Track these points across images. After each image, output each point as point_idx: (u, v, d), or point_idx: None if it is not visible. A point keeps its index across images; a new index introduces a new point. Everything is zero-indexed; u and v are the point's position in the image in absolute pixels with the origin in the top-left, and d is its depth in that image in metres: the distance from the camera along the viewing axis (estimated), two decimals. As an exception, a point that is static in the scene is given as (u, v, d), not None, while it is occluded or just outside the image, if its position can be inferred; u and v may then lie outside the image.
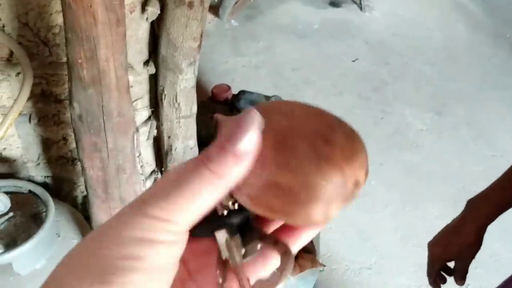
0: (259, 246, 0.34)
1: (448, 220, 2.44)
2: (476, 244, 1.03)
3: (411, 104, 3.05)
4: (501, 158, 2.71)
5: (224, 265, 0.34)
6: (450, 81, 3.33)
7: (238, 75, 3.10)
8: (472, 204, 1.06)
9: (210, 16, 3.46)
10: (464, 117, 3.02)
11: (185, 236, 0.30)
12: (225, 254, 0.33)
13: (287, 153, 0.31)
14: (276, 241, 0.34)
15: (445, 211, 2.32)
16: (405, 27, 3.83)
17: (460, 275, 1.07)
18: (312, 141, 0.31)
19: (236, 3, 3.30)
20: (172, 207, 0.28)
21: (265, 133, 0.30)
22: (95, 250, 0.28)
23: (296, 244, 0.36)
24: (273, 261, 0.35)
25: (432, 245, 1.13)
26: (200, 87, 2.80)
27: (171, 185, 0.29)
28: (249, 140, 0.29)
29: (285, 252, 0.34)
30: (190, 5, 1.29)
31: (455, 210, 2.39)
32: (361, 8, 3.89)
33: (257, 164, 0.31)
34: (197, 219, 0.29)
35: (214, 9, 3.43)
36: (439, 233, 1.12)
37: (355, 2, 3.96)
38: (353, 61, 3.38)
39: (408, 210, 2.34)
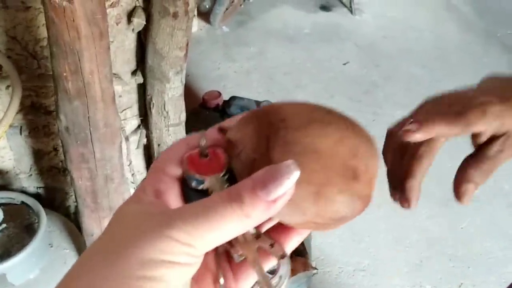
0: (256, 246, 0.34)
1: (439, 221, 2.44)
2: None
3: (402, 105, 3.07)
4: (492, 157, 2.73)
5: (221, 264, 0.35)
6: (441, 82, 3.34)
7: (230, 80, 3.12)
8: None
9: (201, 23, 3.49)
10: (455, 117, 3.04)
11: (201, 258, 0.31)
12: (240, 251, 0.34)
13: (322, 202, 0.33)
14: (272, 244, 0.35)
15: (436, 212, 2.33)
16: (395, 29, 3.85)
17: None
18: (342, 181, 0.34)
19: (227, 9, 3.33)
20: (196, 233, 0.29)
21: (300, 183, 0.32)
22: (117, 265, 0.29)
23: (290, 244, 0.37)
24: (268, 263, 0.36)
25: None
26: (192, 94, 2.82)
27: (199, 212, 0.30)
28: (283, 193, 0.30)
29: (282, 256, 0.35)
30: (175, 16, 1.31)
31: (446, 210, 2.41)
32: (351, 11, 3.92)
33: (293, 206, 0.33)
34: (216, 245, 0.31)
35: (205, 16, 3.46)
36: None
37: (345, 6, 3.98)
38: (344, 64, 3.40)
39: (400, 211, 2.34)
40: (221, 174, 0.35)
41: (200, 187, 0.35)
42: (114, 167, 1.24)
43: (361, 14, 3.96)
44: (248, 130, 0.36)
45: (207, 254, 0.34)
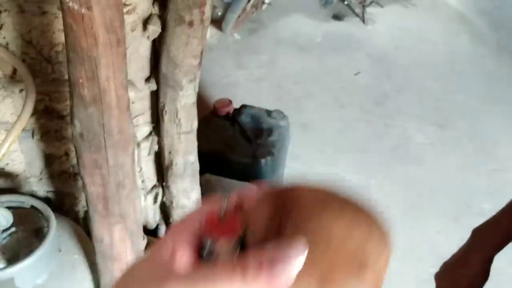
0: None
1: (449, 235, 2.42)
2: (483, 275, 1.00)
3: (414, 117, 3.06)
4: (504, 173, 2.71)
5: None
6: (453, 95, 3.33)
7: (240, 88, 3.12)
8: (478, 233, 1.02)
9: (213, 30, 3.50)
10: (466, 131, 3.02)
11: None
12: None
13: None
14: None
15: (446, 226, 2.31)
16: (408, 40, 3.84)
17: None
18: (349, 271, 0.34)
19: (239, 17, 3.33)
20: None
21: (307, 267, 0.32)
22: None
23: None
24: None
25: (438, 277, 1.08)
26: (202, 101, 2.82)
27: (198, 277, 0.31)
28: (288, 276, 0.31)
29: None
30: (191, 24, 1.31)
31: (456, 225, 2.39)
32: (363, 21, 3.91)
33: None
34: None
35: (217, 23, 3.46)
36: (445, 264, 1.07)
37: (357, 15, 3.98)
38: (356, 74, 3.39)
39: (409, 225, 2.34)
40: (233, 241, 0.36)
41: (212, 249, 0.36)
42: (126, 174, 1.23)
43: (373, 24, 3.95)
44: (264, 212, 0.37)
45: None
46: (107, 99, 1.06)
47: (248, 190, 0.40)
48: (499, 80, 3.55)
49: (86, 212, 1.62)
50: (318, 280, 0.34)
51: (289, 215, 0.36)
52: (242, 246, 0.37)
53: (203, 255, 0.36)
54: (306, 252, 0.32)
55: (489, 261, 1.00)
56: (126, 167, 1.22)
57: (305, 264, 0.32)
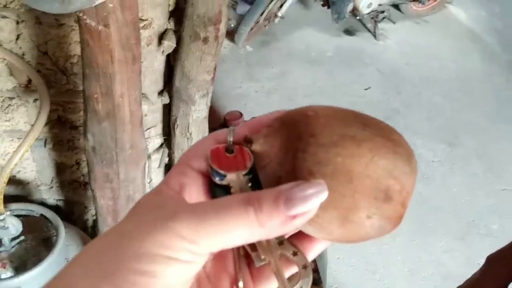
0: (278, 253, 0.33)
1: (455, 255, 2.41)
2: None
3: (423, 134, 3.05)
4: (512, 192, 2.70)
5: (241, 267, 0.34)
6: (462, 112, 3.32)
7: (250, 100, 3.13)
8: (492, 261, 0.98)
9: (225, 41, 3.51)
10: (475, 150, 3.01)
11: (204, 258, 0.29)
12: (262, 255, 0.32)
13: (349, 227, 0.32)
14: (295, 252, 0.33)
15: (452, 246, 2.30)
16: (419, 57, 3.84)
17: None
18: (372, 204, 0.32)
19: (252, 29, 3.34)
20: (201, 230, 0.28)
21: (327, 204, 0.30)
22: (115, 256, 0.28)
23: (313, 252, 0.36)
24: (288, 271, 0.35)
25: None
26: (213, 112, 2.82)
27: (210, 209, 0.29)
28: (305, 211, 0.29)
29: (304, 265, 0.33)
30: (205, 41, 1.32)
31: (463, 244, 2.37)
32: (375, 37, 3.91)
33: (318, 226, 0.32)
34: (220, 249, 0.29)
35: (230, 35, 3.48)
36: None
37: (369, 31, 3.98)
38: (365, 89, 3.39)
39: (416, 243, 2.33)
40: (244, 172, 0.34)
41: (222, 182, 0.33)
42: (137, 188, 1.24)
43: (384, 40, 3.95)
44: (275, 142, 0.34)
45: (226, 255, 0.34)
46: (120, 114, 1.07)
47: (257, 120, 0.37)
48: (509, 99, 3.54)
49: (95, 221, 1.63)
50: (340, 219, 0.32)
51: (305, 152, 0.32)
52: (255, 180, 0.34)
53: (213, 188, 0.34)
54: (326, 193, 0.29)
55: None
56: (136, 182, 1.23)
57: (325, 204, 0.30)
